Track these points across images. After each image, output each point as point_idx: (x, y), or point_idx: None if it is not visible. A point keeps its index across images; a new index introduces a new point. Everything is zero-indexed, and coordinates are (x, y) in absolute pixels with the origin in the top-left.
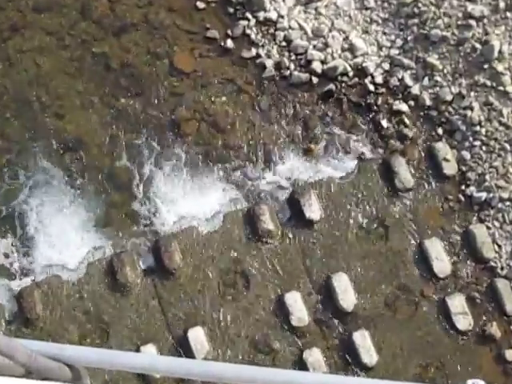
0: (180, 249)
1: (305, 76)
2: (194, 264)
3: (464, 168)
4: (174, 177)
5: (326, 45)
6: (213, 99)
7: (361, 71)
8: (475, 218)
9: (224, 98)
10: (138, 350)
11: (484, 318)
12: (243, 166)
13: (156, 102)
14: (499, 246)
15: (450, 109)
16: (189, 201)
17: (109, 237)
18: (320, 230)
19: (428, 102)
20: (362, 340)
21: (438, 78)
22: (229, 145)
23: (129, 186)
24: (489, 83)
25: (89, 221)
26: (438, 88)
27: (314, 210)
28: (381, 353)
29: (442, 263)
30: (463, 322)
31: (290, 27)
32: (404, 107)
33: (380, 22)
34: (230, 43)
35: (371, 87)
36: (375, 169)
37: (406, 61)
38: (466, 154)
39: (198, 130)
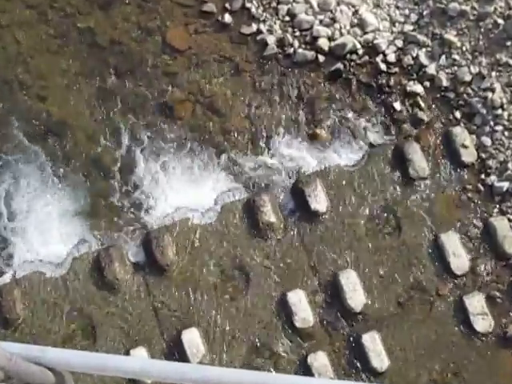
0: (173, 243)
1: (310, 54)
2: (189, 259)
3: (484, 155)
4: (167, 164)
5: (334, 20)
6: (209, 79)
7: (371, 49)
8: (496, 210)
9: (221, 78)
10: (127, 354)
11: (505, 319)
12: (242, 153)
13: (147, 82)
14: None
15: (469, 90)
16: (183, 190)
17: (96, 229)
18: (326, 222)
19: (445, 83)
20: (372, 343)
21: (456, 57)
22: (227, 129)
23: (117, 173)
24: None
25: (74, 211)
26: (455, 67)
27: (319, 200)
28: (392, 357)
29: (459, 259)
30: (482, 323)
31: (293, 0)
32: (419, 88)
33: None
34: (228, 18)
35: (383, 66)
36: (387, 156)
37: (421, 37)
38: (487, 140)
39: (192, 113)
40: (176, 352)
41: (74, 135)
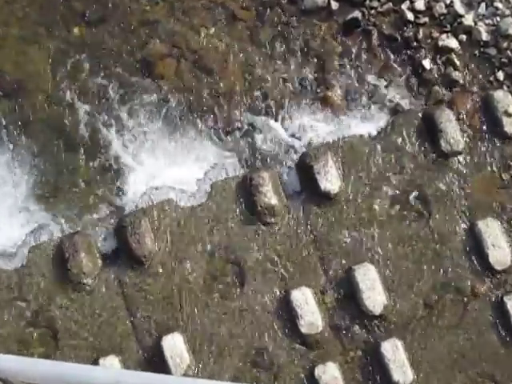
0: (152, 230)
1: (321, 0)
2: (171, 250)
3: None
4: (145, 134)
5: None
6: (197, 30)
7: None
8: None
9: (212, 29)
10: (95, 363)
11: None
12: (238, 120)
13: (121, 33)
14: None
15: None
16: (164, 165)
17: (58, 212)
18: (339, 206)
19: (485, 37)
20: (394, 352)
21: (499, 5)
22: (218, 91)
23: (84, 145)
24: None
25: (31, 191)
26: (498, 18)
27: (331, 179)
28: (418, 369)
29: (499, 251)
30: None
31: None
32: (453, 43)
33: None
34: None
35: (410, 16)
36: (414, 125)
37: None
38: None
39: (177, 71)
40: (155, 362)
41: (33, 98)
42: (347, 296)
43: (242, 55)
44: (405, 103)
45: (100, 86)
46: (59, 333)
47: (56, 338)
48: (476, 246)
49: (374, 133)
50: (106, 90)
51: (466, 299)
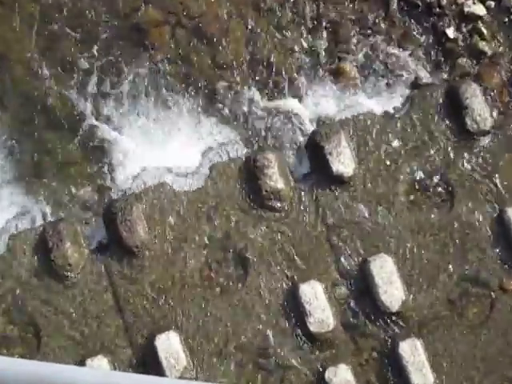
0: (145, 217)
1: None
2: (166, 240)
3: None
4: (137, 109)
5: None
6: None
7: None
8: None
9: None
10: (82, 365)
11: None
12: (240, 95)
13: None
14: None
15: None
16: (159, 145)
17: (40, 197)
18: (353, 190)
19: None
20: (413, 353)
21: None
22: (219, 62)
23: (70, 121)
24: None
25: (10, 172)
26: None
27: (344, 160)
28: (439, 372)
29: None
30: None
31: None
32: (480, 10)
33: None
34: None
35: None
36: (436, 101)
37: None
38: None
39: (172, 40)
40: (148, 363)
41: (13, 70)
42: (361, 291)
43: (245, 23)
44: (426, 77)
45: (87, 57)
46: (42, 330)
47: (38, 336)
48: (505, 235)
49: (392, 109)
50: (94, 62)
51: (493, 294)
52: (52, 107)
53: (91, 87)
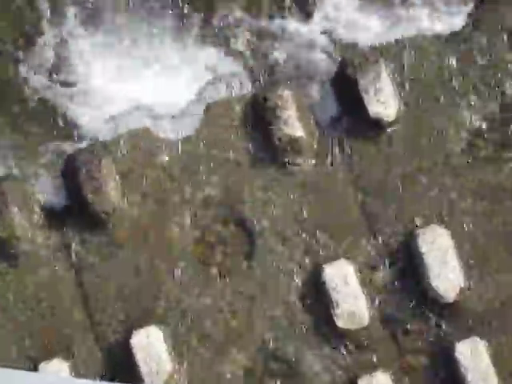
0: (119, 173)
1: None
2: (147, 205)
3: None
4: (114, 32)
5: None
6: None
7: None
8: None
9: None
10: (35, 369)
11: None
12: (247, 11)
13: None
14: None
15: None
16: (137, 79)
17: None
18: (396, 140)
19: None
20: (473, 357)
21: None
22: None
23: (25, 45)
24: None
25: None
26: None
27: (384, 100)
28: (507, 381)
29: None
30: None
31: None
32: None
33: None
34: None
35: None
36: (508, 23)
37: None
38: None
39: None
40: (121, 368)
41: None
42: (406, 274)
43: None
44: None
45: None
46: None
47: None
48: None
49: (448, 32)
50: None
51: None
52: (7, 25)
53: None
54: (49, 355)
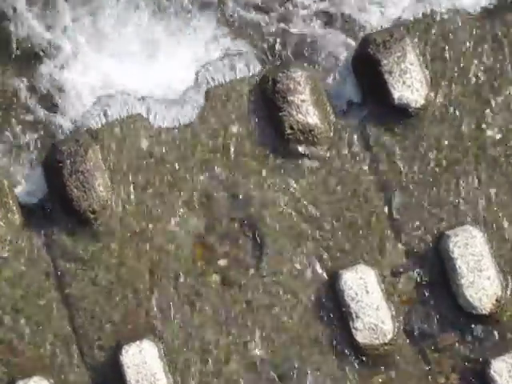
0: (107, 166)
1: None
2: (139, 201)
3: None
4: (103, 4)
5: None
6: None
7: None
8: None
9: None
10: None
11: None
12: None
13: None
14: None
15: None
16: (131, 60)
17: None
18: (424, 127)
19: None
20: (511, 374)
21: None
22: None
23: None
24: None
25: None
26: None
27: (411, 83)
28: None
29: None
30: None
31: None
32: None
33: None
34: None
35: None
36: None
37: None
38: None
39: None
40: None
41: None
42: (435, 281)
43: None
44: None
45: None
46: None
47: None
48: None
49: (484, 3)
50: None
51: None
52: None
53: None
54: (28, 372)
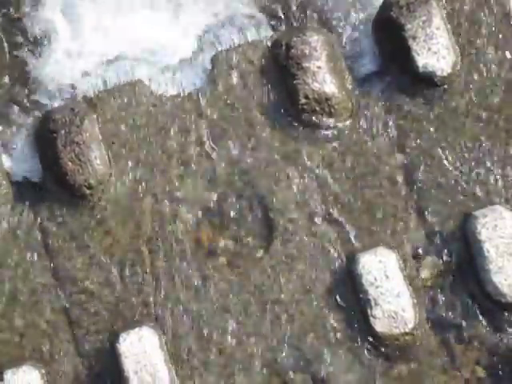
0: (105, 136)
1: None
2: (140, 176)
3: None
4: None
5: None
6: None
7: None
8: None
9: None
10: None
11: None
12: None
13: None
14: None
15: None
16: (127, 19)
17: None
18: (451, 99)
19: None
20: None
21: None
22: None
23: None
24: None
25: None
26: None
27: (437, 49)
28: None
29: None
30: None
31: None
32: None
33: None
34: None
35: None
36: None
37: None
38: None
39: None
40: (105, 379)
41: None
42: (461, 266)
43: None
44: None
45: None
46: None
47: None
48: None
49: None
50: None
51: None
52: None
53: None
54: (17, 361)
